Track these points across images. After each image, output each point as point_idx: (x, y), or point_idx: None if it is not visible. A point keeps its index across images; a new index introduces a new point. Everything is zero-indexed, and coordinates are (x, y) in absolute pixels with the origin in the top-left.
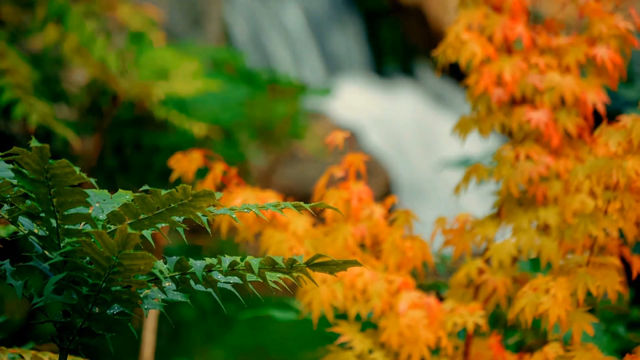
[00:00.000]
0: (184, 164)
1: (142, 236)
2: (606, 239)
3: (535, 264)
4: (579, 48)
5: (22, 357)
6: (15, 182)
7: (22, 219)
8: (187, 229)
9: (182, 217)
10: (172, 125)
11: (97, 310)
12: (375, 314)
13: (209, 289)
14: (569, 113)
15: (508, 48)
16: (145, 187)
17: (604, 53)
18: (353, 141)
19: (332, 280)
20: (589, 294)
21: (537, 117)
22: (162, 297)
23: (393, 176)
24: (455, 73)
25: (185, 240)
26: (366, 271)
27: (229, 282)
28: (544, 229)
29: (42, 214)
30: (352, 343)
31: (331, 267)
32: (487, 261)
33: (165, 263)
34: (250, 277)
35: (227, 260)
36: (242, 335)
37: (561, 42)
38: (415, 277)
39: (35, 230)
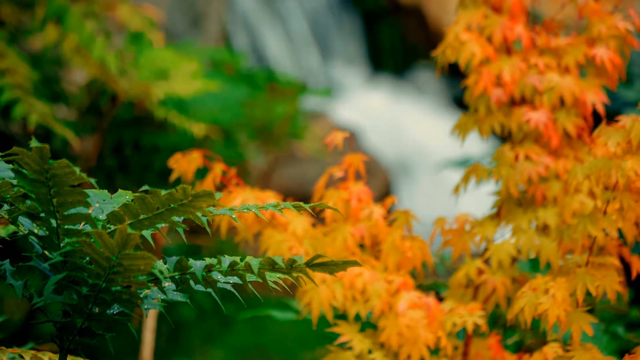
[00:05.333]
0: (183, 164)
1: (142, 236)
2: (605, 239)
3: (534, 264)
4: (578, 48)
5: (22, 357)
6: (15, 182)
7: (22, 219)
8: (187, 229)
9: (182, 217)
10: (171, 125)
11: (97, 310)
12: (375, 314)
13: (209, 289)
14: (569, 113)
15: (507, 48)
16: (145, 187)
17: (603, 53)
18: (352, 141)
19: (331, 280)
20: (588, 294)
21: (537, 117)
22: (162, 297)
23: (392, 176)
24: (455, 74)
25: (184, 240)
26: (365, 271)
27: (229, 282)
28: (543, 229)
29: (42, 214)
30: (352, 343)
31: (331, 267)
32: (487, 261)
33: (165, 263)
34: (249, 277)
35: (226, 260)
36: (241, 335)
37: (560, 42)
38: (415, 277)
39: (35, 230)
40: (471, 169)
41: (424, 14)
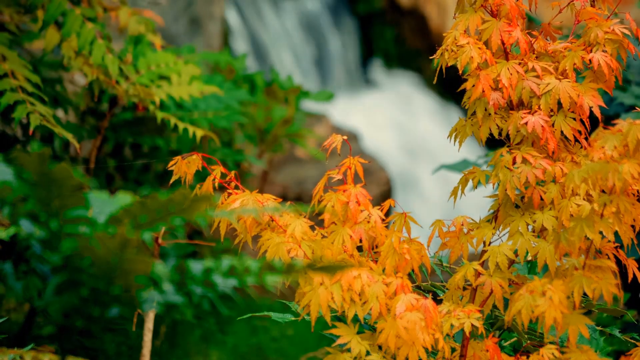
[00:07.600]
0: (182, 167)
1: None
2: (602, 242)
3: (531, 267)
4: (575, 53)
5: (22, 358)
6: (15, 184)
7: (23, 221)
8: (187, 232)
9: (182, 221)
10: (170, 127)
11: (97, 312)
12: (373, 316)
13: (208, 292)
14: (566, 117)
15: (505, 52)
16: (145, 188)
17: (600, 58)
18: (352, 143)
19: (329, 282)
20: (585, 296)
21: (534, 120)
22: (161, 300)
23: (391, 179)
24: (453, 77)
25: (184, 242)
26: (364, 273)
27: (228, 285)
28: (541, 232)
29: (42, 217)
30: (350, 345)
31: (330, 269)
32: (484, 264)
33: (164, 265)
34: (248, 279)
35: (226, 263)
36: (239, 336)
37: (558, 46)
38: (413, 279)
39: (36, 233)
40: (468, 173)
41: (424, 16)
